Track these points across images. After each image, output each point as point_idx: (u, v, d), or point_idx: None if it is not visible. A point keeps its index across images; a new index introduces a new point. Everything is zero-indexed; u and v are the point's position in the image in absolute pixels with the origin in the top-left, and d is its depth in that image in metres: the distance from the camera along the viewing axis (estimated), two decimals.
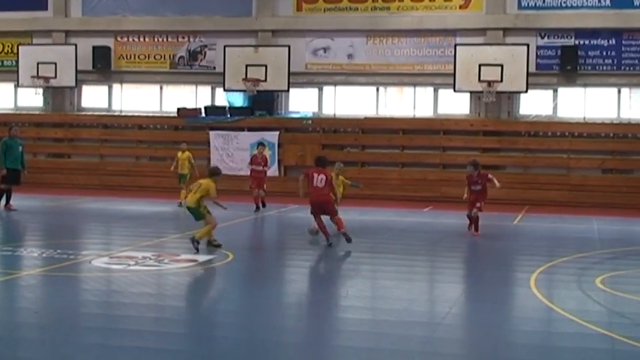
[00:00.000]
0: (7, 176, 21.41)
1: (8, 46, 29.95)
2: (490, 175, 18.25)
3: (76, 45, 28.85)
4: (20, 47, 29.13)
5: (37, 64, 28.53)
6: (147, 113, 29.23)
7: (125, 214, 21.82)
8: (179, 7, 28.74)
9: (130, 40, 29.43)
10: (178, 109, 28.18)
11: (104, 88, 29.94)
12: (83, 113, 29.89)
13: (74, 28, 29.71)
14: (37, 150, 28.88)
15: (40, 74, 28.48)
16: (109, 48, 29.15)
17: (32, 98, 29.91)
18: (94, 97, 30.13)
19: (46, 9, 29.95)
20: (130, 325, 9.83)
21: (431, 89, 27.72)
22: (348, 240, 15.71)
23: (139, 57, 29.38)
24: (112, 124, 29.18)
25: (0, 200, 21.40)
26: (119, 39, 29.38)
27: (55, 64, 28.45)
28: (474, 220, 18.05)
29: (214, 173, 15.70)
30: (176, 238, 17.12)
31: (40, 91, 29.54)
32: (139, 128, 28.86)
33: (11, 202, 21.40)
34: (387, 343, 9.10)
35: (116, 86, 29.87)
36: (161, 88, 29.48)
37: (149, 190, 26.77)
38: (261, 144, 22.90)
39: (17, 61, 29.04)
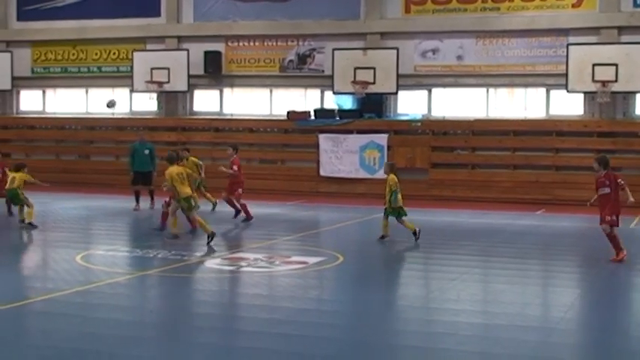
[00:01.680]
0: (134, 178, 22.74)
1: (123, 52, 30.77)
2: (621, 181, 14.65)
3: (188, 50, 29.44)
4: (135, 53, 29.88)
5: (151, 69, 29.23)
6: (257, 117, 29.59)
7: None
8: (288, 12, 29.00)
9: (241, 44, 29.86)
10: (288, 112, 28.44)
11: (215, 92, 30.45)
12: (195, 117, 30.47)
13: (186, 33, 30.32)
14: None
15: (153, 79, 29.16)
16: (220, 53, 29.63)
17: (147, 103, 30.70)
18: (205, 101, 30.68)
19: (159, 15, 30.65)
20: (242, 325, 9.96)
21: (543, 90, 27.19)
22: None
23: (249, 61, 29.78)
24: (223, 127, 29.64)
25: (138, 201, 22.45)
26: (230, 43, 29.84)
27: (169, 69, 29.10)
28: (609, 238, 14.81)
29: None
30: (287, 240, 17.27)
31: (154, 95, 30.28)
32: (250, 131, 29.22)
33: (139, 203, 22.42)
34: (500, 348, 8.96)
35: (227, 90, 30.34)
36: (271, 91, 29.79)
37: (260, 192, 27.08)
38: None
39: (132, 67, 29.81)
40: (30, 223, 18.37)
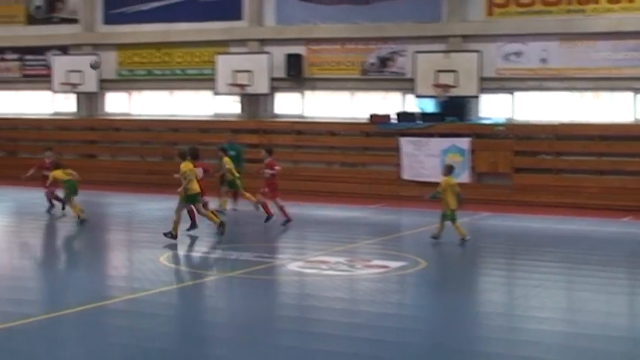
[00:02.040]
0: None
1: (207, 55, 31.11)
2: None
3: (270, 53, 29.65)
4: (218, 56, 30.21)
5: (234, 72, 29.52)
6: (338, 119, 29.62)
7: (318, 219, 22.19)
8: (369, 14, 28.94)
9: (322, 47, 29.93)
10: (370, 116, 28.39)
11: (297, 95, 30.59)
12: (277, 120, 30.66)
13: (268, 36, 30.51)
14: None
15: (236, 82, 29.45)
16: (301, 56, 29.74)
17: (229, 105, 30.99)
18: (287, 104, 30.84)
19: (242, 19, 30.91)
20: (323, 328, 9.97)
21: (630, 94, 26.58)
22: None
23: (330, 64, 29.82)
24: (304, 130, 29.75)
25: (236, 200, 22.80)
26: (311, 46, 29.94)
27: (251, 72, 29.34)
28: None
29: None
30: (368, 244, 17.25)
31: (237, 98, 30.55)
32: (331, 134, 29.26)
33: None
34: (584, 358, 8.79)
35: (308, 93, 30.44)
36: (352, 94, 29.80)
37: (340, 195, 27.10)
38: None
39: (215, 70, 30.14)
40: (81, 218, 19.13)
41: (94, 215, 20.34)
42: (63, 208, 20.52)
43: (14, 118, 33.99)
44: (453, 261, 15.87)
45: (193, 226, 17.94)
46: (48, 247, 16.83)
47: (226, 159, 22.07)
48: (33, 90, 33.87)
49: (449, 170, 17.66)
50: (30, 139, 33.20)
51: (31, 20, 33.67)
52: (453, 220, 16.96)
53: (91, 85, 31.84)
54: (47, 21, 33.40)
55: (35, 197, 22.47)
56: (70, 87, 31.87)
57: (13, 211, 22.18)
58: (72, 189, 19.67)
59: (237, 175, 21.89)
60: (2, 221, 20.49)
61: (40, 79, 33.27)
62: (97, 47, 32.48)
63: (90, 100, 32.81)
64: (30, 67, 33.80)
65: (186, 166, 16.99)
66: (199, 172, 17.63)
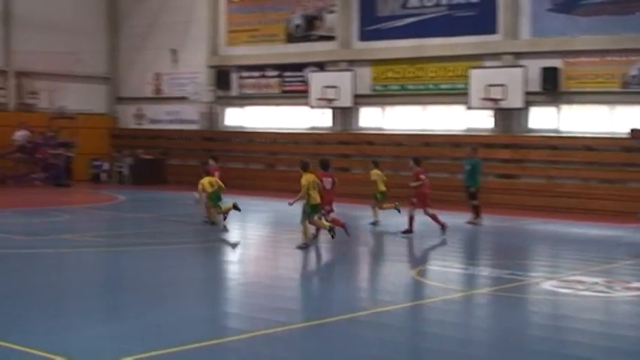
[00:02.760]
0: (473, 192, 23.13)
1: (460, 69, 30.96)
2: None
3: (525, 66, 29.02)
4: (471, 70, 29.97)
5: (487, 86, 29.16)
6: (596, 134, 28.46)
7: (574, 237, 21.42)
8: (631, 25, 27.60)
9: (580, 60, 28.90)
10: (631, 130, 27.00)
11: (552, 110, 29.71)
12: (531, 134, 29.94)
13: (523, 49, 29.88)
14: (486, 170, 29.44)
15: (489, 96, 29.06)
16: (557, 69, 28.87)
17: (482, 120, 30.64)
18: (541, 119, 30.03)
19: (496, 32, 30.49)
20: (579, 351, 9.53)
21: None
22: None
23: (588, 77, 28.73)
24: (560, 145, 28.85)
25: (479, 214, 22.80)
26: (568, 59, 28.99)
27: (505, 85, 28.85)
28: None
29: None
30: (627, 265, 16.38)
31: (491, 112, 30.14)
32: (588, 150, 28.18)
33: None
34: None
35: (564, 107, 29.48)
36: (611, 108, 28.53)
37: (598, 213, 26.01)
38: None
39: (468, 84, 29.92)
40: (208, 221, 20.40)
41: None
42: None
43: (273, 133, 35.49)
44: None
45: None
46: (303, 257, 17.32)
47: (374, 171, 22.43)
48: (291, 105, 35.19)
49: None
50: (287, 153, 34.51)
51: (291, 38, 35.04)
52: None
53: (346, 101, 32.62)
54: (305, 39, 34.63)
55: (290, 208, 23.27)
56: (326, 102, 32.83)
57: (272, 222, 23.08)
58: (214, 199, 20.33)
59: (383, 188, 22.22)
60: (261, 231, 21.37)
61: (297, 94, 34.52)
62: (352, 63, 33.24)
63: (345, 114, 33.60)
64: (288, 84, 35.16)
65: (306, 178, 17.31)
66: (328, 182, 18.12)
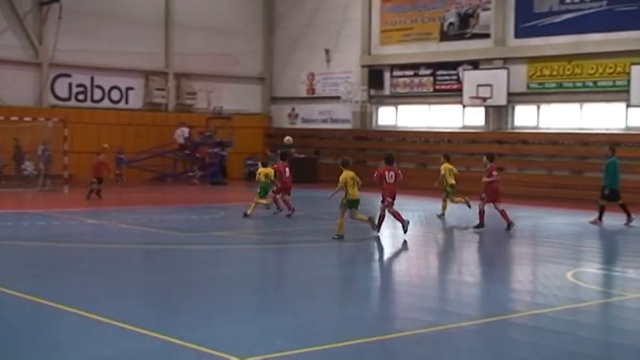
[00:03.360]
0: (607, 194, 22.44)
1: (620, 65, 29.89)
2: None
3: None
4: (633, 67, 28.90)
5: None
6: None
7: None
8: None
9: None
10: None
11: None
12: None
13: None
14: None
15: None
16: None
17: None
18: None
19: None
20: None
21: None
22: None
23: None
24: None
25: (629, 214, 22.12)
26: None
27: None
28: None
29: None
30: None
31: None
32: None
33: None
34: None
35: None
36: None
37: None
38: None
39: (629, 81, 28.85)
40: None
41: (497, 229, 20.34)
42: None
43: (425, 132, 35.30)
44: None
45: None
46: (453, 256, 17.14)
47: (445, 165, 23.08)
48: (444, 104, 34.92)
49: None
50: (440, 152, 34.24)
51: (444, 37, 34.75)
52: None
53: (500, 99, 32.10)
54: (459, 37, 34.27)
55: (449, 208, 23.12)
56: (479, 101, 32.39)
57: (422, 221, 22.94)
58: (263, 191, 22.07)
59: (453, 181, 23.06)
60: (411, 230, 21.28)
61: (450, 93, 34.22)
62: (506, 61, 32.68)
63: (499, 113, 33.05)
64: (441, 82, 34.89)
65: (344, 175, 18.03)
66: (391, 176, 18.82)
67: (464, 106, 33.49)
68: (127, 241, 17.98)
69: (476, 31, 33.81)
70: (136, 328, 9.65)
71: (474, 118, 33.91)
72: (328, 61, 38.72)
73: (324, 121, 39.19)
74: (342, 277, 14.47)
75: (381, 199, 19.15)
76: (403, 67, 36.08)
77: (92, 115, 35.78)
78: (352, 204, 18.22)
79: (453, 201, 23.10)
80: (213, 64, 38.89)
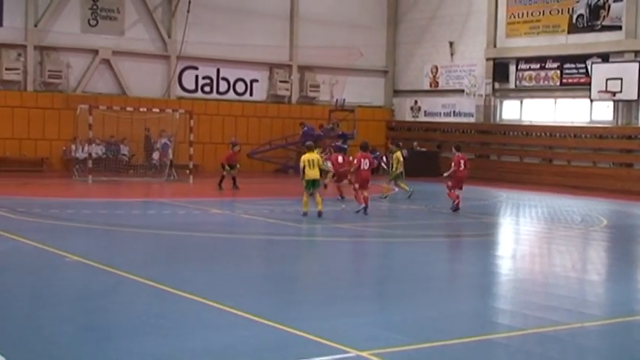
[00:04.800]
0: None
1: None
2: None
3: None
4: None
5: None
6: None
7: None
8: None
9: None
10: None
11: None
12: None
13: None
14: None
15: None
16: None
17: None
18: None
19: None
20: None
21: None
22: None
23: None
24: None
25: None
26: None
27: None
28: None
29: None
30: None
31: None
32: None
33: None
34: None
35: None
36: None
37: None
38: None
39: None
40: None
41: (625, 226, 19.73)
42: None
43: (551, 126, 34.52)
44: None
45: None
46: (577, 254, 16.70)
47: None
48: (570, 98, 34.06)
49: None
50: (566, 147, 33.48)
51: (573, 29, 33.88)
52: None
53: (631, 93, 31.12)
54: (589, 29, 33.33)
55: (566, 204, 22.55)
56: (608, 95, 31.45)
57: (547, 217, 22.46)
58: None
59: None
60: (535, 227, 20.85)
61: (578, 87, 33.35)
62: (638, 54, 31.62)
63: (628, 108, 32.03)
64: (569, 76, 34.03)
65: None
66: (366, 162, 21.11)
67: (592, 101, 32.58)
68: (249, 232, 18.24)
69: (606, 23, 32.80)
70: (255, 317, 9.76)
71: (602, 112, 32.93)
72: (452, 53, 38.32)
73: (447, 114, 38.82)
74: (460, 272, 14.28)
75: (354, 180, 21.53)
76: (529, 60, 35.36)
77: (217, 106, 36.48)
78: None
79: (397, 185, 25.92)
80: (336, 56, 39.04)
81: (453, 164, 22.34)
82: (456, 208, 21.85)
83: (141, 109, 31.34)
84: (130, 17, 34.88)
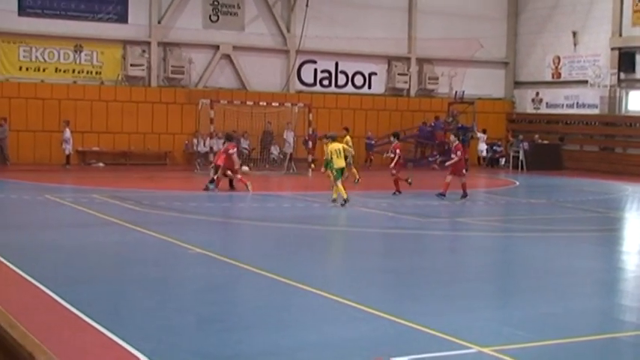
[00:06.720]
0: None
1: None
2: None
3: None
4: None
5: None
6: None
7: None
8: None
9: None
10: None
11: None
12: None
13: None
14: None
15: None
16: None
17: None
18: None
19: None
20: None
21: None
22: None
23: None
24: None
25: None
26: None
27: None
28: None
29: None
30: None
31: None
32: None
33: None
34: None
35: None
36: None
37: None
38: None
39: None
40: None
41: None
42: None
43: None
44: None
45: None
46: None
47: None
48: None
49: None
50: None
51: None
52: None
53: None
54: None
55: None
56: None
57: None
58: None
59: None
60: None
61: None
62: None
63: None
64: None
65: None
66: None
67: None
68: (367, 225, 18.25)
69: None
70: (374, 310, 9.73)
71: None
72: (575, 43, 37.33)
73: (570, 106, 37.85)
74: (584, 267, 13.87)
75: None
76: None
77: (336, 100, 36.61)
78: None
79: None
80: (455, 48, 38.59)
81: (457, 153, 22.35)
82: (442, 194, 21.96)
83: (260, 103, 31.73)
84: (250, 12, 35.36)
